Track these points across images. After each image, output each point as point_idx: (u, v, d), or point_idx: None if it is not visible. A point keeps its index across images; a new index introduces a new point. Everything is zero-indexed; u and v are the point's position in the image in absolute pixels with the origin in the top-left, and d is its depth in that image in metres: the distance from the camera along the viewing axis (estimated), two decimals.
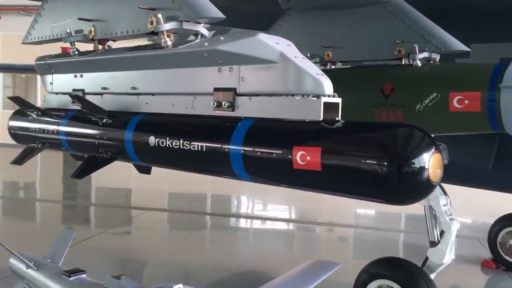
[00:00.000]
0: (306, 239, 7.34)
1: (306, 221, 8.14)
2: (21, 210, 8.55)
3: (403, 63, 3.66)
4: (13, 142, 3.69)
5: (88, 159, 2.96)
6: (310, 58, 3.85)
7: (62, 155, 17.28)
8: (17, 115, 3.61)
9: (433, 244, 3.71)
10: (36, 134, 3.37)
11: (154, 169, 3.31)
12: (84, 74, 3.13)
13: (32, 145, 3.43)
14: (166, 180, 10.49)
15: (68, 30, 3.08)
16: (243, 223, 8.11)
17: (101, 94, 3.02)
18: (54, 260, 3.48)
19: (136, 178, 3.31)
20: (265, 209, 9.42)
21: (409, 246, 6.90)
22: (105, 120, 2.84)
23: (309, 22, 4.14)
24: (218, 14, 2.43)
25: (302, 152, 1.91)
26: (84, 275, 3.18)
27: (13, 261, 3.51)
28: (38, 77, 18.57)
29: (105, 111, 2.84)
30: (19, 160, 3.44)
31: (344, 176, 1.82)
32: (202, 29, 2.56)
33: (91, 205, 8.99)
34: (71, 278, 3.12)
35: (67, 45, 3.26)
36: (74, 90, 3.18)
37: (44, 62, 3.30)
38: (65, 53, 3.21)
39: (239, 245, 6.68)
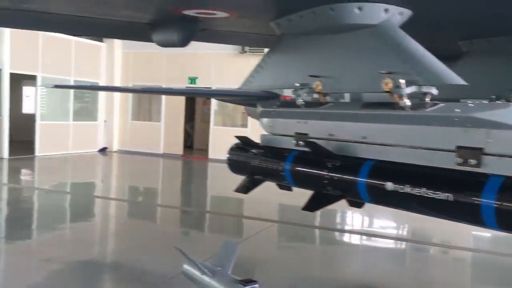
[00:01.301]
0: (420, 260, 7.23)
1: (418, 241, 8.01)
2: (150, 214, 9.55)
3: None
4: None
5: (316, 195, 3.47)
6: (496, 99, 4.06)
7: (181, 165, 18.75)
8: (235, 150, 4.28)
9: None
10: (259, 167, 3.97)
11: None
12: (309, 121, 3.65)
13: (254, 177, 4.05)
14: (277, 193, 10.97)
15: (297, 85, 3.61)
16: (353, 239, 8.19)
17: (326, 139, 3.47)
18: (224, 269, 3.76)
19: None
20: (375, 225, 9.34)
21: None
22: (335, 163, 3.32)
23: (491, 65, 4.36)
24: (460, 81, 2.78)
25: None
26: (257, 285, 3.41)
27: (186, 266, 3.92)
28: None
29: (337, 156, 3.32)
30: (244, 190, 4.08)
31: None
32: (434, 90, 2.93)
33: (229, 216, 9.77)
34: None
35: None
36: (297, 133, 3.71)
37: (272, 110, 3.89)
38: (289, 102, 3.76)
39: (354, 264, 6.82)
